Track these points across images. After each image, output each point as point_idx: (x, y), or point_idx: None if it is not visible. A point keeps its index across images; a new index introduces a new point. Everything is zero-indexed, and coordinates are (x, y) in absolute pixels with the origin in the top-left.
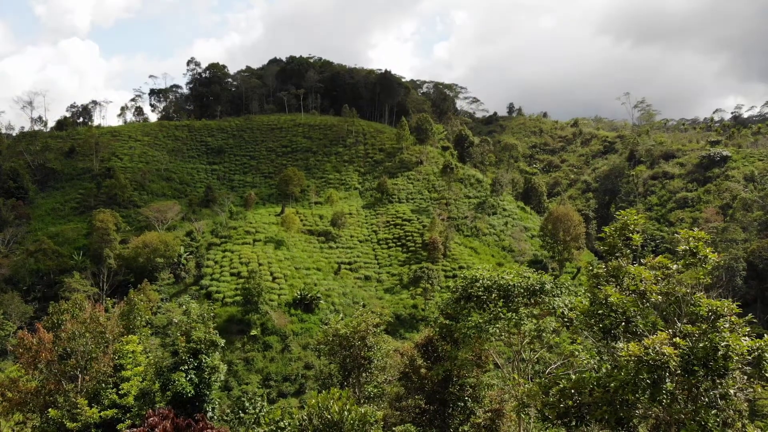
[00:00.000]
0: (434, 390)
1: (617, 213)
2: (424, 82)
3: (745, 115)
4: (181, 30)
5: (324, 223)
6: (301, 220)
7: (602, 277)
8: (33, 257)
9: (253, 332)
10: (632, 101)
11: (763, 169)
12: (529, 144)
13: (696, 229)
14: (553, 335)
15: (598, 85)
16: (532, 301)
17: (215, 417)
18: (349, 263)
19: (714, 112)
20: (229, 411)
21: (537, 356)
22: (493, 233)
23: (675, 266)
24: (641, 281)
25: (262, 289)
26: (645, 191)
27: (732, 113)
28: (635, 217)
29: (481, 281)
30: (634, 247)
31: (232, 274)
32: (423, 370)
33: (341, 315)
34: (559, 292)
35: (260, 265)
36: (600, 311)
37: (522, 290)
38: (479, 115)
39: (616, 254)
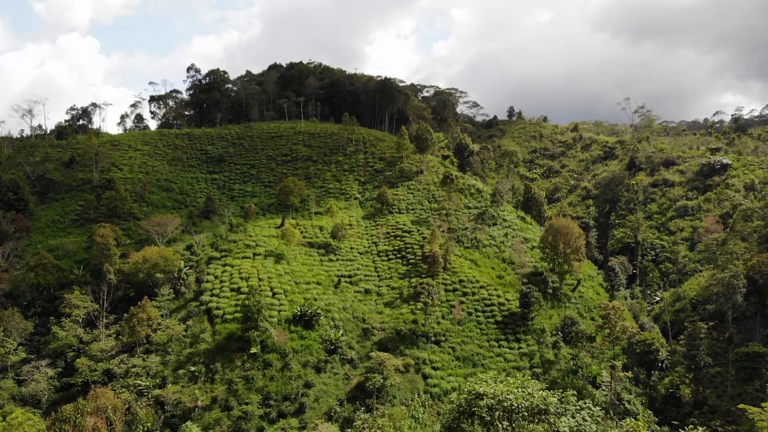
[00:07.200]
0: None
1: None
2: (424, 86)
3: (746, 117)
4: (181, 26)
5: (324, 234)
6: (301, 232)
7: None
8: (33, 272)
9: (253, 350)
10: (632, 106)
11: (764, 178)
12: (530, 149)
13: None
14: None
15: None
16: (536, 420)
17: None
18: (349, 276)
19: (714, 115)
20: None
21: None
22: (494, 245)
23: None
24: None
25: (261, 306)
26: (645, 199)
27: (732, 115)
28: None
29: (485, 399)
30: None
31: (232, 290)
32: None
33: (341, 331)
34: (563, 410)
35: (260, 280)
36: None
37: (526, 412)
38: (479, 119)
39: None
